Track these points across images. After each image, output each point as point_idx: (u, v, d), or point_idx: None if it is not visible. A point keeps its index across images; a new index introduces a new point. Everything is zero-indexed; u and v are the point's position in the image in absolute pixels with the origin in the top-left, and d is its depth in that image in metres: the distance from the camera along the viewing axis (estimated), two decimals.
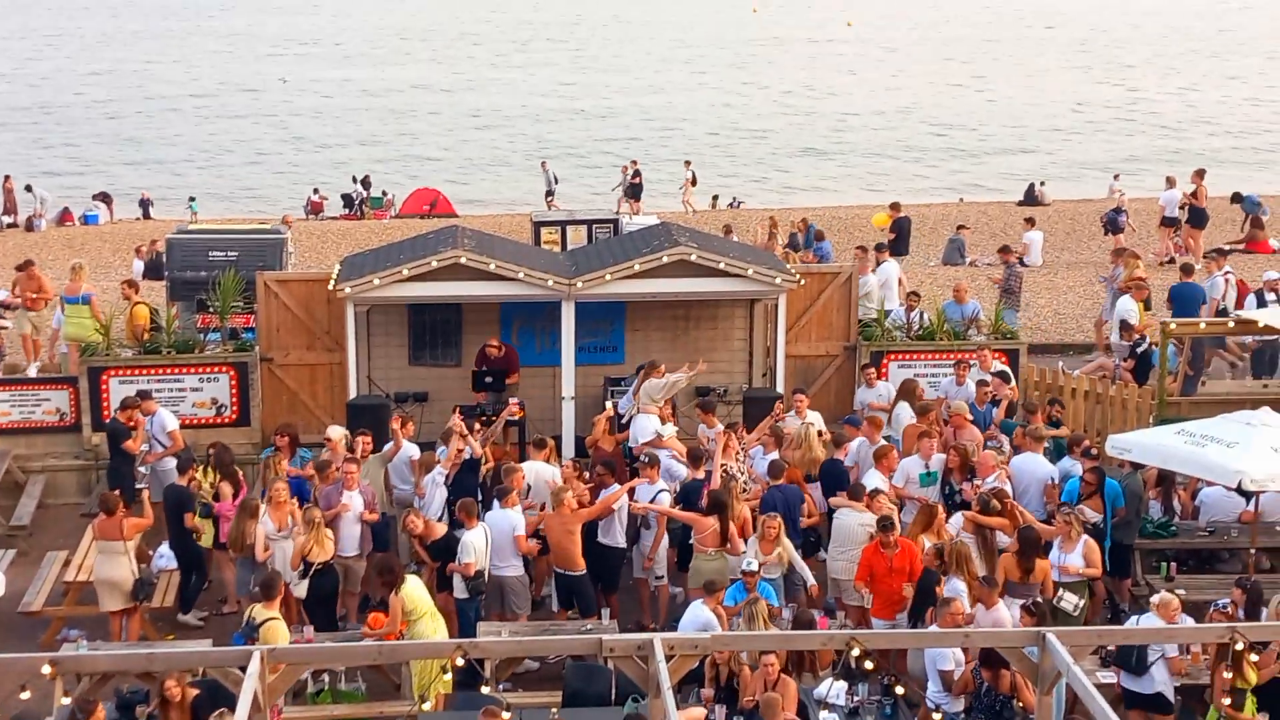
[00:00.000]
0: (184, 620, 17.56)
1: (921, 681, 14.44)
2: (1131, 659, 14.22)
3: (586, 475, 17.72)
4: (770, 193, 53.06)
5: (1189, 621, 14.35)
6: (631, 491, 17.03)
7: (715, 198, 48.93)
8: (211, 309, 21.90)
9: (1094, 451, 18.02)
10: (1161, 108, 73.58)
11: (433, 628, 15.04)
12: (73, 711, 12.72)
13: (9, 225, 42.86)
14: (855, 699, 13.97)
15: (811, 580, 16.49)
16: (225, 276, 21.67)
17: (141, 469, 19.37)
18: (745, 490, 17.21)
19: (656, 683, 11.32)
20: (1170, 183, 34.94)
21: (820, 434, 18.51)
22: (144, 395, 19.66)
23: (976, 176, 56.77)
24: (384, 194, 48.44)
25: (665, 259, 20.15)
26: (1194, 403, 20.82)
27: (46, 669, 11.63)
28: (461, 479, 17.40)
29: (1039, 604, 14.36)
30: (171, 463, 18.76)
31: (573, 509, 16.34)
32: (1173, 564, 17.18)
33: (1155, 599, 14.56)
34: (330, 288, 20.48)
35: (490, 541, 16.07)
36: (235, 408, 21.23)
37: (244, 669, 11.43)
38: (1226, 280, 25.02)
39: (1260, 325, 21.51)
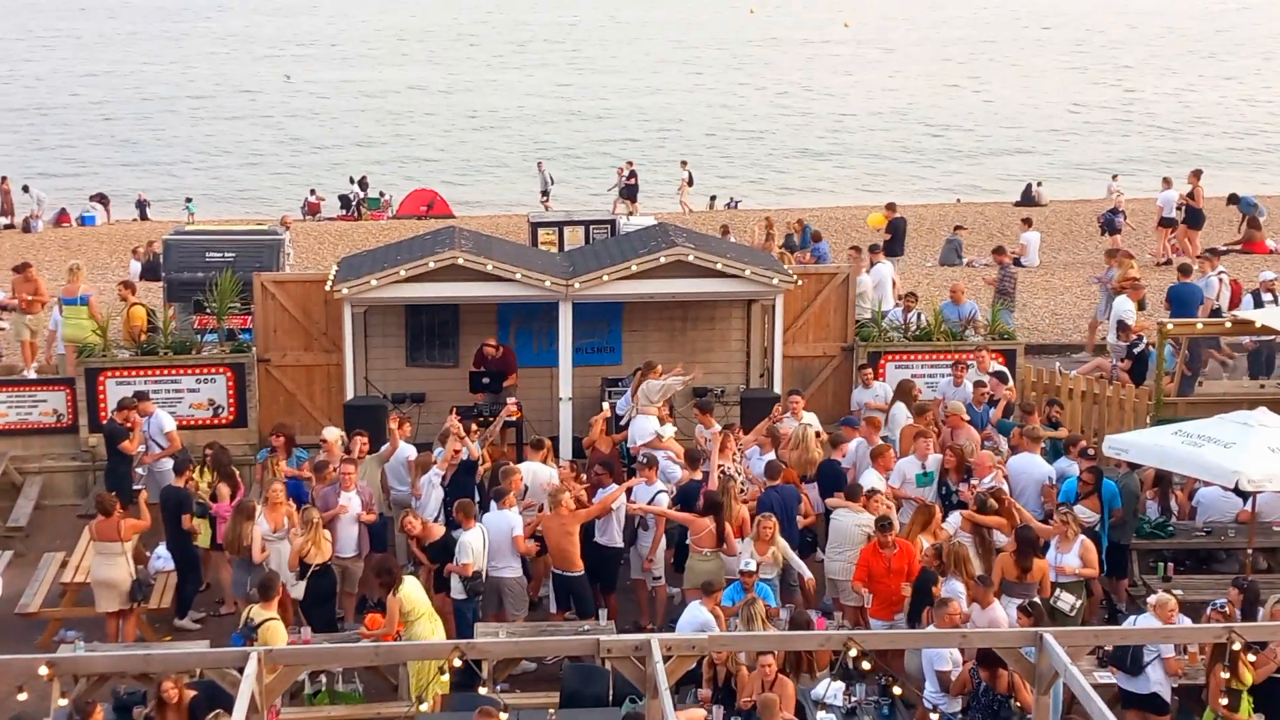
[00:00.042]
0: (181, 625, 17.53)
1: (919, 682, 14.46)
2: (1126, 659, 14.24)
3: (583, 476, 17.72)
4: (767, 193, 53.05)
5: (1186, 622, 14.37)
6: (629, 491, 17.04)
7: (713, 198, 48.94)
8: (209, 310, 21.91)
9: (1091, 452, 18.04)
10: (1158, 108, 73.60)
11: (430, 629, 15.04)
12: (71, 713, 12.71)
13: (6, 226, 42.82)
14: (853, 699, 13.98)
15: (808, 574, 16.49)
16: (222, 277, 21.68)
17: (139, 470, 19.37)
18: (743, 491, 17.21)
19: (654, 683, 11.32)
20: (1167, 184, 34.98)
21: (818, 435, 18.52)
22: (141, 396, 19.66)
23: (973, 177, 56.76)
24: (381, 195, 48.42)
25: (663, 260, 20.15)
26: (1191, 403, 20.86)
27: (44, 670, 11.62)
28: (458, 480, 17.40)
29: (1036, 604, 14.37)
30: (169, 464, 18.75)
31: (570, 510, 16.34)
32: (1170, 564, 17.19)
33: (1152, 599, 14.56)
34: (327, 289, 20.49)
35: (488, 542, 16.07)
36: (232, 409, 21.22)
37: (241, 670, 11.43)
38: (1220, 280, 25.06)
39: (1258, 325, 21.53)
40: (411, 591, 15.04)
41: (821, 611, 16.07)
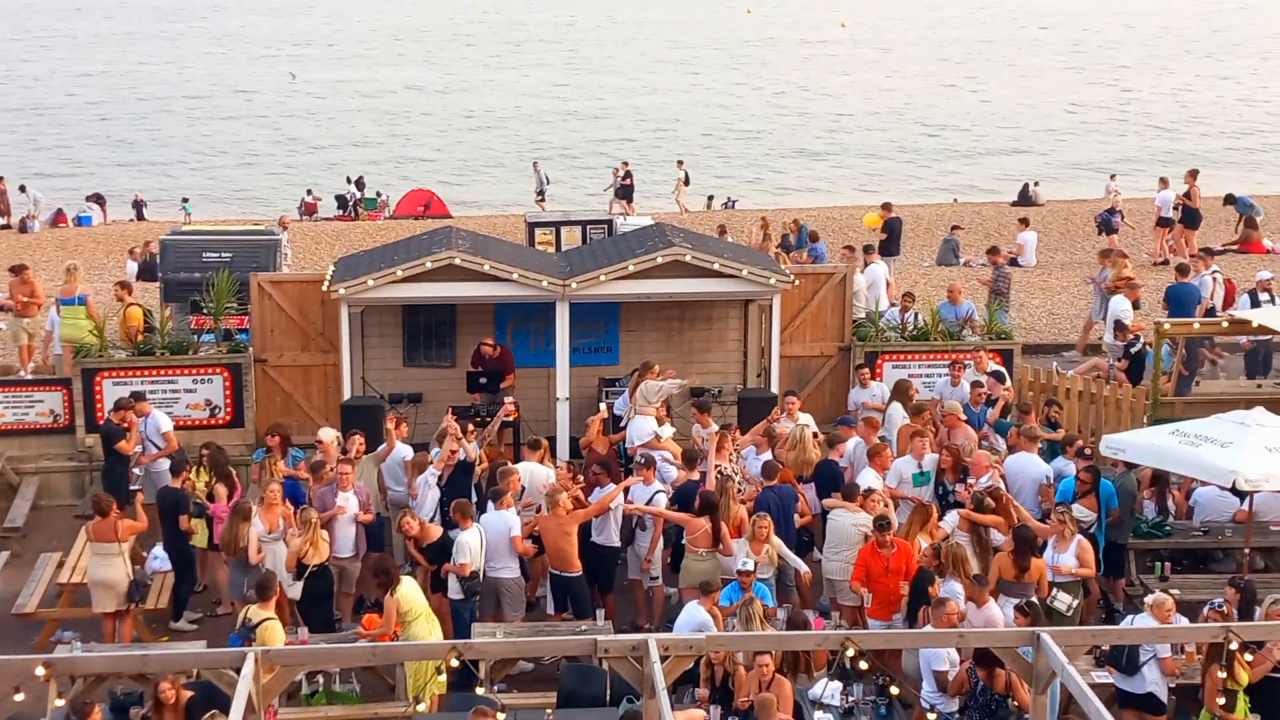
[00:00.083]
0: (177, 627, 17.51)
1: (916, 681, 14.46)
2: (1122, 659, 14.24)
3: (580, 477, 17.70)
4: (764, 193, 53.07)
5: (1183, 621, 14.36)
6: (626, 491, 17.03)
7: (710, 198, 48.96)
8: (205, 310, 21.88)
9: (1087, 451, 18.04)
10: (1155, 108, 73.66)
11: (428, 629, 15.03)
12: (68, 713, 12.70)
13: (3, 227, 42.82)
14: (850, 699, 13.97)
15: (804, 568, 16.48)
16: (219, 278, 21.65)
17: (136, 470, 19.35)
18: (741, 491, 17.21)
19: (651, 683, 11.32)
20: (1163, 184, 35.00)
21: (815, 436, 18.51)
22: (138, 397, 19.63)
23: (970, 177, 56.80)
24: (378, 195, 48.42)
25: (660, 260, 20.14)
26: (1188, 403, 20.86)
27: (41, 670, 11.60)
28: (455, 480, 17.39)
29: (1033, 604, 14.37)
30: (166, 464, 18.70)
31: (568, 510, 16.33)
32: (1167, 564, 17.18)
33: (1149, 599, 14.56)
34: (324, 289, 20.47)
35: (486, 543, 16.07)
36: (229, 409, 21.20)
37: (238, 670, 11.41)
38: (1214, 279, 25.07)
39: (1254, 325, 21.54)
40: (409, 592, 15.03)
41: (819, 611, 16.08)
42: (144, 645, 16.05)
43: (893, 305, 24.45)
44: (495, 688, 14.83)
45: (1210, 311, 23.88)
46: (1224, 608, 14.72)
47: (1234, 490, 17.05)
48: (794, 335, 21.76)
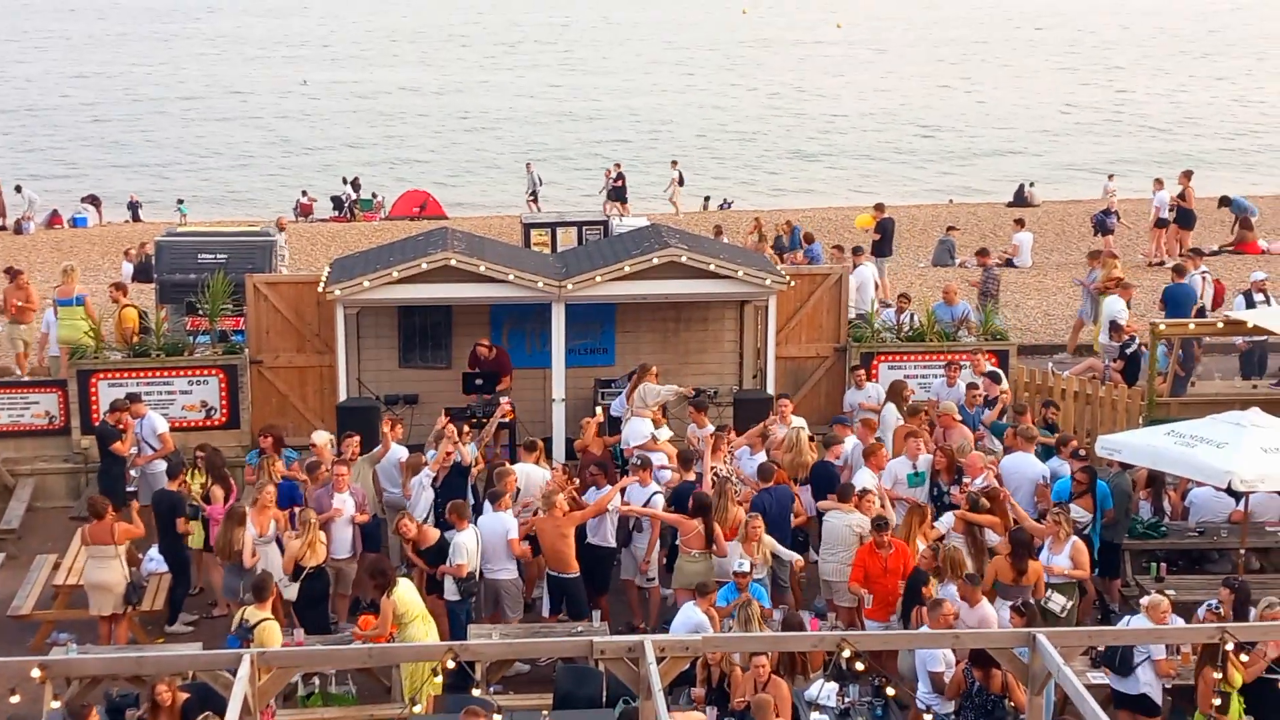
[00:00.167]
0: (172, 631, 17.48)
1: (912, 683, 14.46)
2: (1116, 659, 14.25)
3: (575, 479, 17.69)
4: (759, 194, 53.09)
5: (1179, 622, 14.37)
6: (622, 492, 17.03)
7: (706, 199, 48.97)
8: (201, 311, 21.87)
9: (1082, 452, 18.04)
10: (1150, 109, 73.73)
11: (424, 630, 15.02)
12: (64, 715, 12.68)
13: None
14: (846, 700, 13.98)
15: (797, 558, 16.46)
16: (214, 279, 21.63)
17: (132, 472, 19.33)
18: (738, 492, 17.20)
19: (647, 685, 11.32)
20: (1159, 184, 35.02)
21: (811, 438, 18.50)
22: (133, 398, 19.61)
23: (966, 178, 56.84)
24: (374, 196, 48.41)
25: (656, 260, 20.14)
26: (1183, 403, 20.88)
27: (36, 673, 11.58)
28: (450, 481, 17.37)
29: (1029, 604, 14.37)
30: (161, 465, 18.70)
31: (565, 512, 16.32)
32: (1162, 564, 17.20)
33: (1145, 600, 14.55)
34: (320, 290, 20.47)
35: (482, 544, 16.06)
36: (225, 410, 21.18)
37: (234, 672, 11.40)
38: (1204, 279, 25.09)
39: (1250, 326, 21.56)
40: (405, 593, 15.02)
41: (815, 612, 16.07)
42: (140, 647, 16.03)
43: (887, 305, 24.45)
44: (491, 689, 14.82)
45: (1200, 312, 23.90)
46: (1220, 609, 14.73)
47: (1229, 491, 17.07)
48: (790, 336, 21.77)
